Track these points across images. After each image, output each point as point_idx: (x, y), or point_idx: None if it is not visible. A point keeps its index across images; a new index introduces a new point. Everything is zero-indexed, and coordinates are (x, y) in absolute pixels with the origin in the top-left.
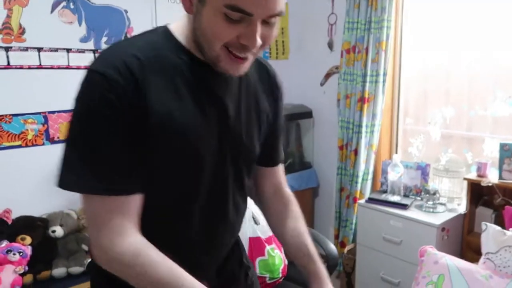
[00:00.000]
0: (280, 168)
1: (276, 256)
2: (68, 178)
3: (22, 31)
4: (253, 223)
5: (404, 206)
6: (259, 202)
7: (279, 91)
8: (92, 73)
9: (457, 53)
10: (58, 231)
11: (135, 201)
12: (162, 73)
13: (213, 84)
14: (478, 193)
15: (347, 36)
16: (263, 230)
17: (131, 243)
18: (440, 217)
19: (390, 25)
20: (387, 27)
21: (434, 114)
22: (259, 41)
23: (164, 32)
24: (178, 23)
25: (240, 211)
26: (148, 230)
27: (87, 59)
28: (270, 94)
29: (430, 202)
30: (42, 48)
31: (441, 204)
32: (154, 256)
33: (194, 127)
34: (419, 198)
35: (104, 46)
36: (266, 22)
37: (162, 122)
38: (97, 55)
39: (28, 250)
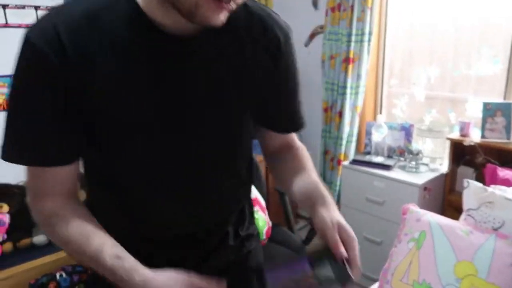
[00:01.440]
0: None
1: (260, 219)
2: (3, 149)
3: None
4: None
5: (387, 167)
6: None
7: (279, 46)
8: (25, 41)
9: (443, 10)
10: None
11: (63, 172)
12: (103, 47)
13: (170, 56)
14: (460, 153)
15: None
16: None
17: (49, 206)
18: (422, 177)
19: None
20: None
21: (418, 74)
22: None
23: None
24: None
25: (224, 189)
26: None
27: None
28: (267, 51)
29: (413, 163)
30: (7, 5)
31: (423, 164)
32: (68, 216)
33: (140, 103)
34: (402, 159)
35: None
36: None
37: (101, 98)
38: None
39: (6, 218)
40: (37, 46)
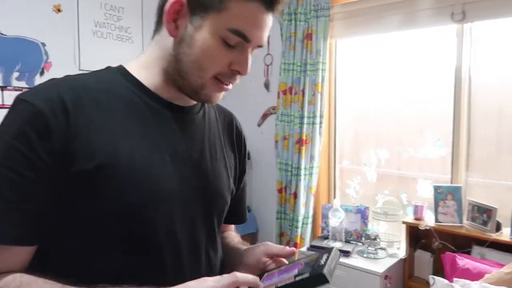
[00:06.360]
0: None
1: None
2: None
3: None
4: None
5: (346, 253)
6: None
7: (244, 146)
8: (19, 101)
9: (385, 97)
10: None
11: (24, 252)
12: (108, 108)
13: (173, 123)
14: (416, 236)
15: (283, 77)
16: None
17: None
18: (382, 264)
19: (325, 67)
20: (322, 69)
21: (369, 156)
22: (249, 68)
23: (119, 70)
24: (135, 63)
25: (213, 265)
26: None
27: None
28: (234, 146)
29: (372, 248)
30: None
31: (381, 249)
32: (29, 280)
33: (146, 167)
34: (360, 244)
35: (15, 82)
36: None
37: (103, 163)
38: (5, 92)
39: None
40: (38, 107)
